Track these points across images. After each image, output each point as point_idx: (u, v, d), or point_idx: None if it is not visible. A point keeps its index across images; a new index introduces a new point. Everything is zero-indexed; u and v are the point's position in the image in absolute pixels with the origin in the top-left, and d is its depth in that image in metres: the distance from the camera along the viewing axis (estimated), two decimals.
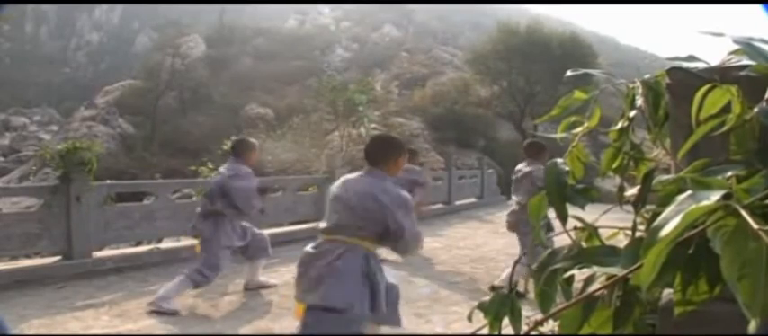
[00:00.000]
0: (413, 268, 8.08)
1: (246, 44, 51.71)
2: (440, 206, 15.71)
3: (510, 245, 8.28)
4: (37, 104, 45.13)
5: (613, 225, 1.28)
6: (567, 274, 0.96)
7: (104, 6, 68.79)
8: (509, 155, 24.95)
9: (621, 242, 1.35)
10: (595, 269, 0.93)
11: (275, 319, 5.71)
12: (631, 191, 1.24)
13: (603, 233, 1.27)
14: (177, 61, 38.74)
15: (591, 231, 1.22)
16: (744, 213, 0.69)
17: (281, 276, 7.30)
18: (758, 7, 1.34)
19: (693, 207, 0.70)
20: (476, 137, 30.68)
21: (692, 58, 1.20)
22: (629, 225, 1.28)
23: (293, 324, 5.45)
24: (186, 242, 8.60)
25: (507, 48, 31.13)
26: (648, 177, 1.17)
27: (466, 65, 37.81)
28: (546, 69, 28.98)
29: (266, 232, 9.65)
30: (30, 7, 63.99)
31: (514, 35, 32.07)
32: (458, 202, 16.98)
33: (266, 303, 6.31)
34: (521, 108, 31.23)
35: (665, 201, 0.95)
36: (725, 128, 0.98)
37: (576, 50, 30.35)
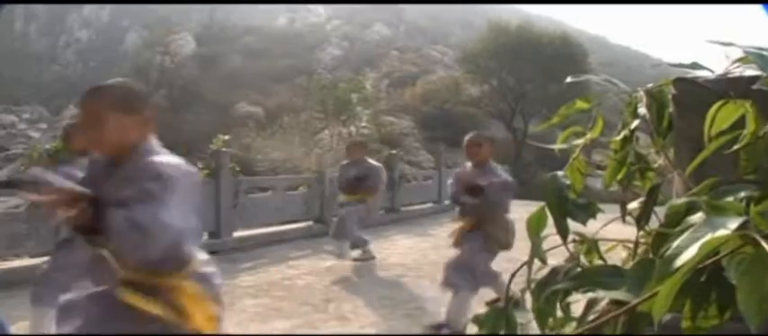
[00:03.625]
0: (403, 268, 8.06)
1: (236, 42, 51.52)
2: (430, 205, 15.68)
3: None
4: (26, 102, 44.74)
5: (609, 232, 1.24)
6: (570, 298, 0.91)
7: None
8: (499, 154, 24.99)
9: (618, 253, 1.31)
10: (600, 293, 0.88)
11: (265, 320, 5.65)
12: (633, 205, 1.20)
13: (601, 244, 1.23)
14: (167, 59, 38.57)
15: (590, 244, 1.18)
16: (763, 243, 0.65)
17: (270, 276, 7.25)
18: (758, 7, 1.31)
19: (710, 237, 0.66)
20: (466, 135, 30.69)
21: (696, 66, 1.16)
22: (625, 234, 1.24)
23: (283, 326, 5.44)
24: None
25: (498, 46, 31.18)
26: (654, 191, 1.13)
27: (456, 63, 37.92)
28: (536, 68, 29.08)
29: (255, 232, 9.62)
30: (19, 5, 63.47)
31: (505, 34, 32.12)
32: (448, 201, 16.93)
33: (258, 304, 6.24)
34: (511, 107, 31.30)
35: (673, 220, 0.92)
36: (738, 146, 0.94)
37: (566, 49, 30.43)
